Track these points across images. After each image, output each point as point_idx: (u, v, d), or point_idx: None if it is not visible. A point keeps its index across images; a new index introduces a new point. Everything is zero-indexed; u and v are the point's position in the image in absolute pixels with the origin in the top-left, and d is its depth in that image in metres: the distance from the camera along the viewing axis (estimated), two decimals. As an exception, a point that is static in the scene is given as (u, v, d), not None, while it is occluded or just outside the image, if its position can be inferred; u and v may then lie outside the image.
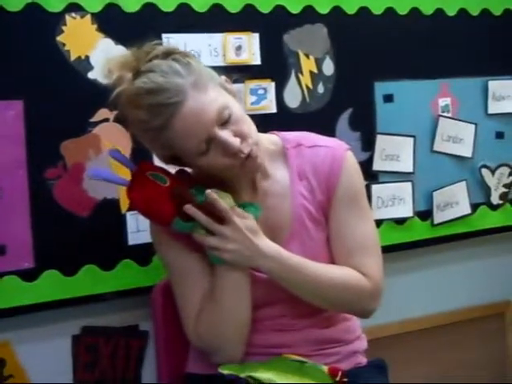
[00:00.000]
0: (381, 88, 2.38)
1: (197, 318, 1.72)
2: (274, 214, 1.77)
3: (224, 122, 1.60)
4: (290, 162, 1.78)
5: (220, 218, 1.63)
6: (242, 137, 1.62)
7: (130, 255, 2.00)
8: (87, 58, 1.94)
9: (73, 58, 1.93)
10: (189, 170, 1.76)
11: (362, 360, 1.89)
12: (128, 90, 1.61)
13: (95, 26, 1.95)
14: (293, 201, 1.77)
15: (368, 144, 2.35)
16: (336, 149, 1.80)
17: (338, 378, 1.66)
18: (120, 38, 1.98)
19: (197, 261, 1.73)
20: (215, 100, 1.60)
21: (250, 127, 1.66)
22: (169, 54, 1.65)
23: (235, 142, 1.60)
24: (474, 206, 2.56)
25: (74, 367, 2.02)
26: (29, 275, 1.91)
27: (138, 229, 2.00)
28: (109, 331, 2.05)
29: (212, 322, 1.71)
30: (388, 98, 2.39)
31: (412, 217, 2.45)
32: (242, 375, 1.62)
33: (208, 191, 1.61)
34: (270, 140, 1.81)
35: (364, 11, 2.33)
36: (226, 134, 1.60)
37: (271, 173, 1.77)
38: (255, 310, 1.75)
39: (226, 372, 1.64)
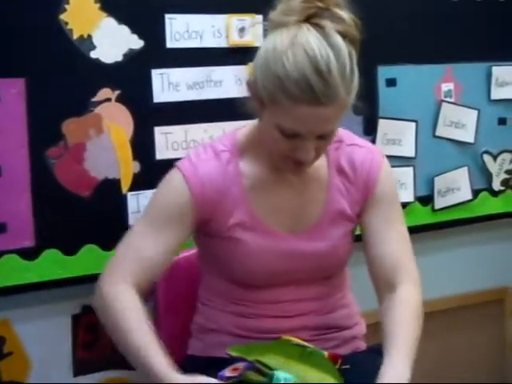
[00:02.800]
0: (384, 72, 2.38)
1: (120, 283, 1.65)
2: (306, 201, 1.76)
3: (321, 136, 1.60)
4: (330, 156, 1.77)
5: None
6: (317, 154, 1.64)
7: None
8: (90, 37, 1.94)
9: (75, 36, 1.92)
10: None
11: (361, 345, 1.89)
12: (305, 41, 1.52)
13: (98, 5, 1.94)
14: (328, 193, 1.77)
15: (370, 128, 2.35)
16: (376, 152, 1.82)
17: (337, 366, 1.66)
18: (123, 18, 1.97)
19: (181, 241, 1.72)
20: (335, 122, 1.59)
21: (328, 146, 1.68)
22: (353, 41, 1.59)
23: (310, 156, 1.61)
24: (476, 192, 2.56)
25: (73, 346, 2.03)
26: (29, 254, 1.91)
27: (139, 209, 2.00)
28: (108, 311, 2.05)
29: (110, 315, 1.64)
30: (391, 82, 2.39)
31: (413, 202, 2.45)
32: (250, 358, 1.61)
33: None
34: None
35: (368, -6, 2.32)
36: (310, 147, 1.59)
37: (312, 166, 1.74)
38: (256, 292, 1.76)
39: (234, 354, 1.63)
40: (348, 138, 1.81)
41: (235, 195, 1.71)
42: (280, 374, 1.51)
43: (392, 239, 1.77)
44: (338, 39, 1.54)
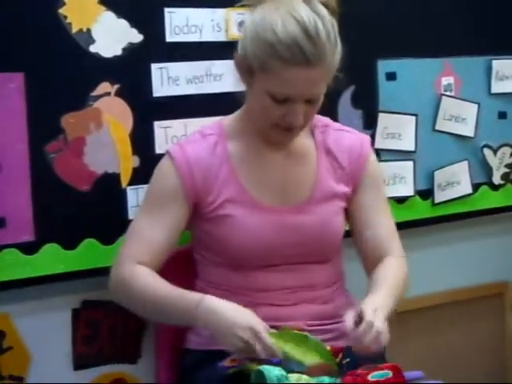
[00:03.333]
0: (384, 66, 2.37)
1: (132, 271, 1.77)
2: (296, 176, 1.84)
3: (309, 100, 1.70)
4: (316, 137, 1.88)
5: None
6: (306, 120, 1.74)
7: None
8: (89, 31, 1.93)
9: (74, 30, 1.92)
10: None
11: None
12: (293, 9, 1.67)
13: (97, -1, 1.94)
14: (317, 171, 1.85)
15: (370, 122, 2.35)
16: (365, 138, 1.94)
17: (338, 359, 1.66)
18: (122, 12, 1.97)
19: (181, 221, 1.80)
20: (323, 84, 1.71)
21: (313, 116, 1.78)
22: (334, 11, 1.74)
23: (299, 121, 1.71)
24: (476, 186, 2.56)
25: (73, 341, 2.03)
26: (29, 248, 1.91)
27: (138, 203, 1.99)
28: (109, 305, 2.04)
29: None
30: (391, 76, 2.38)
31: (413, 196, 2.44)
32: None
33: None
34: None
35: (367, -12, 2.32)
36: (300, 111, 1.70)
37: (300, 142, 1.85)
38: (252, 277, 1.78)
39: None
40: (335, 125, 1.94)
41: (224, 173, 1.79)
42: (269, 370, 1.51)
43: (380, 222, 1.89)
44: (322, 8, 1.69)
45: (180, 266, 1.90)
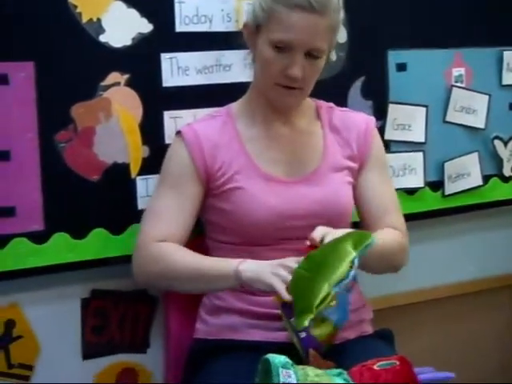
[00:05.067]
0: (394, 57, 2.36)
1: (153, 248, 1.80)
2: (303, 149, 1.90)
3: (310, 55, 1.76)
4: (321, 117, 1.94)
5: None
6: (305, 78, 1.78)
7: (140, 220, 1.99)
8: (99, 20, 1.93)
9: (84, 20, 1.92)
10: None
11: (368, 329, 1.90)
12: None
13: (107, -11, 1.94)
14: (324, 145, 1.90)
15: (380, 113, 2.33)
16: (368, 117, 2.01)
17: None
18: (132, 2, 1.97)
19: (196, 198, 1.84)
20: (324, 37, 1.76)
21: (313, 80, 1.83)
22: None
23: (299, 72, 1.75)
24: (486, 178, 2.55)
25: (82, 330, 2.03)
26: (38, 237, 1.91)
27: (148, 193, 2.00)
28: (118, 295, 2.06)
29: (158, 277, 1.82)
30: (401, 67, 2.37)
31: (423, 187, 2.44)
32: None
33: None
34: (306, 100, 1.94)
35: (378, -21, 2.31)
36: (300, 61, 1.75)
37: (306, 121, 1.92)
38: (265, 256, 1.76)
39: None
40: (339, 108, 2.01)
41: (233, 148, 1.85)
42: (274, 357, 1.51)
43: (383, 193, 1.95)
44: None
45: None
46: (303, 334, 1.55)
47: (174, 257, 1.77)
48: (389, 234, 1.87)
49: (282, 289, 1.57)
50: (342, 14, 1.83)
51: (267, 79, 1.81)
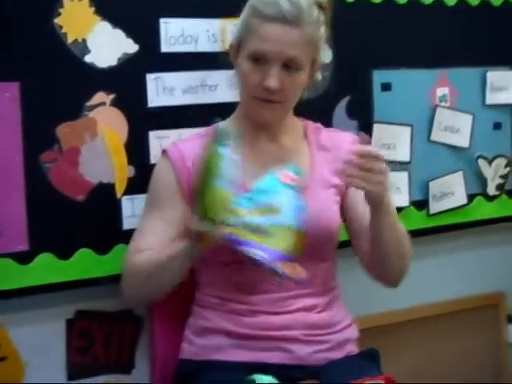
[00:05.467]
0: (379, 76, 2.38)
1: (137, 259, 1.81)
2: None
3: (287, 67, 1.77)
4: (308, 136, 1.95)
5: None
6: (284, 90, 1.78)
7: (125, 240, 1.99)
8: (84, 41, 1.93)
9: (70, 40, 1.92)
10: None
11: (354, 349, 1.90)
12: None
13: (93, 9, 1.94)
14: (311, 163, 1.91)
15: (365, 132, 2.35)
16: (354, 136, 2.03)
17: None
18: (117, 22, 1.97)
19: (179, 216, 1.79)
20: (300, 51, 1.77)
21: (294, 94, 1.83)
22: None
23: (273, 83, 1.76)
24: (471, 197, 2.56)
25: (67, 351, 2.02)
26: (23, 258, 1.90)
27: (133, 213, 2.00)
28: (103, 315, 2.05)
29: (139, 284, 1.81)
30: (386, 87, 2.39)
31: (408, 206, 2.45)
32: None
33: None
34: (294, 120, 1.96)
35: (363, 0, 2.32)
36: (276, 72, 1.76)
37: (293, 140, 1.92)
38: (250, 278, 1.77)
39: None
40: (325, 128, 2.03)
41: None
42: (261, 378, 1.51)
43: None
44: None
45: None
46: (261, 254, 1.56)
47: (145, 261, 1.78)
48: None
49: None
50: (323, 30, 1.84)
51: (246, 93, 1.83)
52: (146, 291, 1.84)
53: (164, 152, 1.90)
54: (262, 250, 1.56)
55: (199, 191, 1.56)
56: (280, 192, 1.63)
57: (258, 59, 1.77)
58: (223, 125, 1.93)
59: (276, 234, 1.58)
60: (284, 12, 1.74)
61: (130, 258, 1.83)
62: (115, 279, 1.94)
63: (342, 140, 1.97)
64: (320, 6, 1.82)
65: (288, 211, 1.60)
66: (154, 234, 1.82)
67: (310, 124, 1.99)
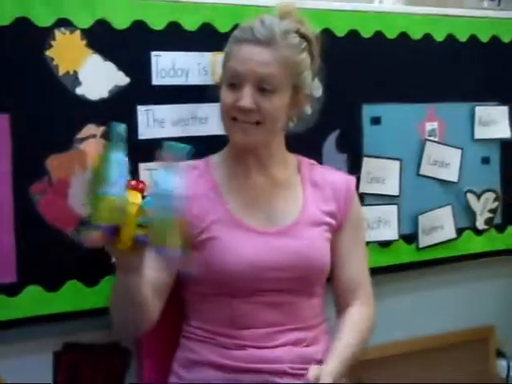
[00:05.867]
0: (368, 110, 2.39)
1: None
2: (282, 201, 1.89)
3: (262, 89, 1.78)
4: (302, 172, 1.95)
5: None
6: (261, 111, 1.79)
7: (114, 272, 1.97)
8: (75, 73, 1.94)
9: (61, 73, 1.92)
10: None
11: (343, 381, 1.89)
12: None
13: (84, 42, 1.95)
14: (304, 199, 1.90)
15: (354, 166, 2.36)
16: (349, 177, 2.02)
17: None
18: (109, 55, 1.98)
19: None
20: (273, 70, 1.78)
21: (272, 116, 1.81)
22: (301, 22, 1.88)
23: (246, 102, 1.78)
24: (459, 231, 2.57)
25: (54, 383, 2.00)
26: (11, 290, 1.89)
27: (123, 245, 1.99)
28: (90, 348, 2.03)
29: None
30: (375, 121, 2.40)
31: (397, 240, 2.45)
32: None
33: None
34: (287, 154, 1.97)
35: (353, 34, 2.34)
36: (248, 93, 1.78)
37: (286, 174, 1.92)
38: (240, 310, 1.78)
39: None
40: (320, 165, 2.06)
41: (210, 198, 1.84)
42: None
43: (355, 262, 1.95)
44: (291, 26, 1.83)
45: (168, 309, 1.88)
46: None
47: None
48: (355, 331, 1.89)
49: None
50: (304, 56, 1.85)
51: (224, 116, 1.84)
52: (121, 320, 1.78)
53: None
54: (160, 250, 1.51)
55: (87, 198, 1.52)
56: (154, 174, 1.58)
57: (234, 84, 1.79)
58: (215, 156, 1.95)
59: (159, 227, 1.49)
60: (255, 34, 1.78)
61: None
62: (103, 312, 1.92)
63: (334, 180, 1.96)
64: (302, 36, 1.85)
65: (156, 196, 1.51)
66: None
67: (305, 160, 1.99)
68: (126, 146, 1.55)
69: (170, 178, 1.52)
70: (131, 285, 1.65)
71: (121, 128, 1.55)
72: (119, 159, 1.52)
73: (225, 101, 1.82)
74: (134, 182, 1.55)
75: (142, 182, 1.57)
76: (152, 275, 1.72)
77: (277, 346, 1.80)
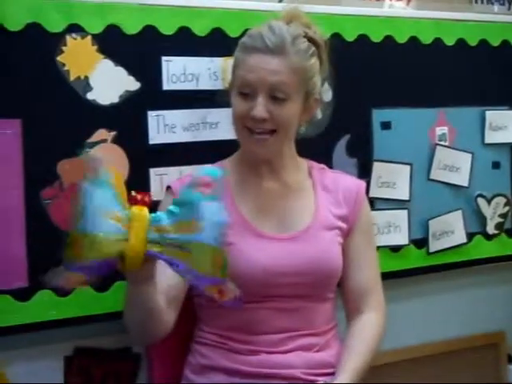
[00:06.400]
0: (379, 115, 2.39)
1: None
2: (294, 206, 1.89)
3: (275, 97, 1.78)
4: (313, 176, 1.95)
5: None
6: (274, 120, 1.78)
7: (124, 277, 1.99)
8: (87, 78, 1.95)
9: (72, 78, 1.93)
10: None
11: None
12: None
13: (95, 47, 1.96)
14: (316, 203, 1.90)
15: (365, 171, 2.35)
16: (359, 182, 2.01)
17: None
18: (120, 60, 1.99)
19: None
20: (284, 78, 1.77)
21: (286, 125, 1.81)
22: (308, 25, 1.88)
23: (260, 112, 1.77)
24: (470, 236, 2.56)
25: (65, 388, 2.01)
26: (22, 295, 1.90)
27: (133, 250, 1.99)
28: (101, 353, 2.03)
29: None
30: (386, 126, 2.40)
31: (407, 245, 2.44)
32: None
33: None
34: (298, 159, 1.97)
35: (363, 39, 2.34)
36: (262, 102, 1.77)
37: (297, 179, 1.92)
38: (252, 318, 1.78)
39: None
40: (331, 170, 2.05)
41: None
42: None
43: (366, 266, 1.94)
44: (299, 31, 1.83)
45: (179, 314, 1.88)
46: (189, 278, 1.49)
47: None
48: (367, 338, 1.88)
49: None
50: (313, 61, 1.84)
51: (237, 126, 1.83)
52: (135, 328, 1.76)
53: (169, 188, 1.90)
54: (189, 273, 1.49)
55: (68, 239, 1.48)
56: (200, 205, 1.49)
57: (246, 93, 1.79)
58: (227, 161, 1.95)
59: (197, 252, 1.48)
60: (266, 42, 1.77)
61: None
62: (114, 316, 1.93)
63: (345, 184, 1.96)
64: (310, 40, 1.84)
65: (208, 228, 1.48)
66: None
67: (315, 164, 1.99)
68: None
69: (217, 209, 1.50)
70: (143, 293, 1.64)
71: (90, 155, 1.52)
72: (89, 190, 1.47)
73: (237, 110, 1.81)
74: (139, 197, 1.52)
75: (147, 194, 1.54)
76: (166, 283, 1.72)
77: (289, 351, 1.80)
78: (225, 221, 1.51)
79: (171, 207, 1.51)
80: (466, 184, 2.54)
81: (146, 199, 1.52)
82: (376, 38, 2.37)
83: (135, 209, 1.50)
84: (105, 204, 1.47)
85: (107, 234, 1.45)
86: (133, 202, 1.51)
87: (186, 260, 1.48)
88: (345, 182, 1.97)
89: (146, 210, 1.50)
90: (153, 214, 1.51)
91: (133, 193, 1.53)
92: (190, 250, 1.48)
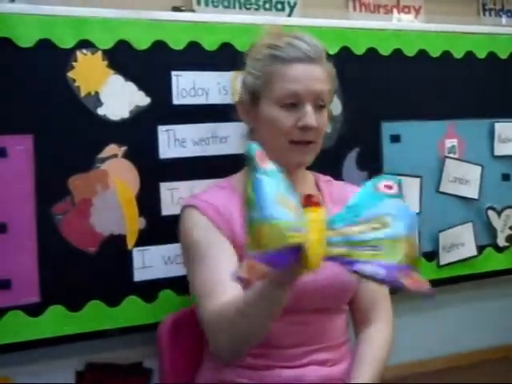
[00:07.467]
0: (388, 128, 2.39)
1: (216, 308, 1.66)
2: None
3: (316, 105, 1.78)
4: (322, 189, 1.93)
5: None
6: (317, 128, 1.78)
7: (136, 291, 1.99)
8: (97, 93, 1.96)
9: (83, 93, 1.94)
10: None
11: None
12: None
13: (106, 63, 1.97)
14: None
15: (375, 184, 2.35)
16: None
17: None
18: (130, 75, 2.00)
19: (228, 245, 1.75)
20: (326, 85, 1.80)
21: (323, 134, 1.83)
22: None
23: (313, 120, 1.76)
24: (480, 248, 2.56)
25: (76, 404, 2.01)
26: (34, 310, 1.90)
27: (144, 265, 2.00)
28: (113, 368, 2.03)
29: (232, 335, 1.64)
30: (395, 139, 2.40)
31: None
32: None
33: None
34: (305, 171, 1.93)
35: (372, 52, 2.35)
36: (311, 110, 1.76)
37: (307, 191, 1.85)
38: (274, 326, 1.72)
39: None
40: (336, 181, 2.02)
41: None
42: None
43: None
44: None
45: (191, 328, 1.88)
46: (378, 271, 1.44)
47: (235, 303, 1.63)
48: (376, 351, 1.86)
49: None
50: (333, 70, 1.87)
51: (280, 139, 1.78)
52: (244, 331, 1.65)
53: (188, 206, 1.83)
54: (377, 265, 1.45)
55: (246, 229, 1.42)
56: (385, 202, 1.50)
57: (288, 104, 1.77)
58: (238, 176, 1.90)
59: (389, 247, 1.47)
60: (305, 51, 1.77)
61: (215, 315, 1.67)
62: (125, 331, 1.94)
63: (353, 191, 1.92)
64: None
65: (397, 221, 1.49)
66: (220, 287, 1.68)
67: (321, 176, 1.98)
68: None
69: (403, 204, 1.54)
70: (277, 297, 1.57)
71: (252, 147, 1.44)
72: (262, 179, 1.42)
73: (283, 122, 1.78)
74: (315, 198, 1.46)
75: (312, 195, 1.48)
76: None
77: (304, 366, 1.79)
78: (413, 213, 1.54)
79: (344, 211, 1.47)
80: (475, 196, 2.54)
81: (314, 199, 1.47)
82: (385, 51, 2.37)
83: (311, 210, 1.46)
84: (282, 192, 1.43)
85: (286, 221, 1.40)
86: (307, 203, 1.49)
87: (372, 256, 1.45)
88: (352, 189, 1.94)
89: (322, 212, 1.45)
90: (329, 217, 1.46)
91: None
92: (379, 246, 1.46)
